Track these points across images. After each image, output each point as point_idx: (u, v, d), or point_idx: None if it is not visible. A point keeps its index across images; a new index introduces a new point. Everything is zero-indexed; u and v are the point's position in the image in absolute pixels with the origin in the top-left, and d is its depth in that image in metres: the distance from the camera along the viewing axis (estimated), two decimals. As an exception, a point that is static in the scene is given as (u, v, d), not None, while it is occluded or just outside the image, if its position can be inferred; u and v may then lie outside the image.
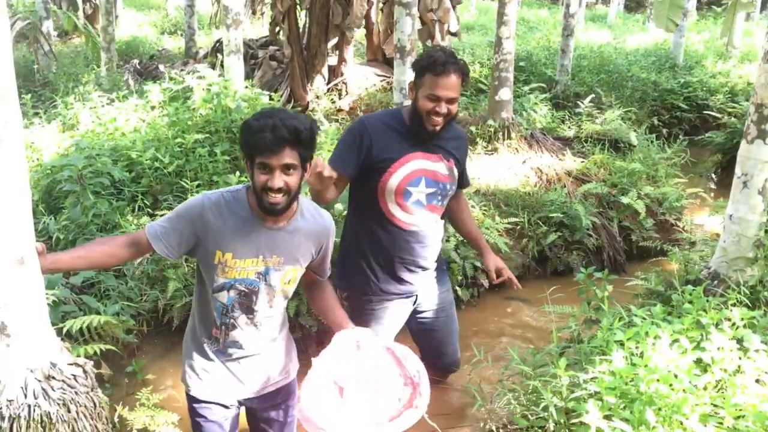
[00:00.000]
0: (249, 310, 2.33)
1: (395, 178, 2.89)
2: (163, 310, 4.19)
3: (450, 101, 2.76)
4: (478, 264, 4.85)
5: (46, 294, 3.54)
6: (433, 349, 3.40)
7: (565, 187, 5.98)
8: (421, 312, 3.25)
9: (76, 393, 2.48)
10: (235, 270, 2.25)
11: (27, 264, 2.31)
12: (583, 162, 6.47)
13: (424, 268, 3.11)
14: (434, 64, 2.72)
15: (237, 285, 2.27)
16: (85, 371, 2.57)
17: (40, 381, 2.41)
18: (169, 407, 3.49)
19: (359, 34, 8.65)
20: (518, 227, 5.43)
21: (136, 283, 4.30)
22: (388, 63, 8.59)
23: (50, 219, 4.55)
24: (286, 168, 2.11)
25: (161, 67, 9.10)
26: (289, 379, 2.61)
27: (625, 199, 5.72)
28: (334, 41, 8.12)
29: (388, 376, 2.32)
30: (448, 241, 4.75)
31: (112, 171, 4.89)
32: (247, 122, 2.13)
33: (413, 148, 2.90)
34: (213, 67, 8.44)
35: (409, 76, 5.00)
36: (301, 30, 8.42)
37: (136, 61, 9.90)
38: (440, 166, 2.96)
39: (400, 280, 3.07)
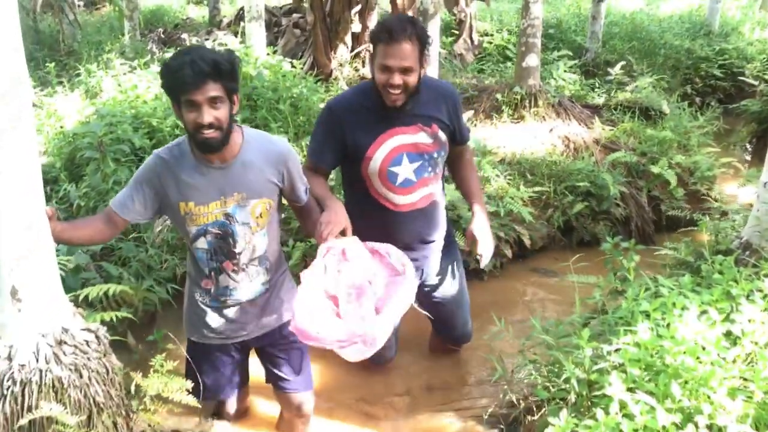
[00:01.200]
0: (230, 254, 2.38)
1: (375, 162, 2.73)
2: (182, 277, 4.17)
3: (404, 71, 2.53)
4: (501, 234, 4.75)
5: (66, 260, 3.57)
6: (443, 321, 3.33)
7: (593, 155, 5.82)
8: (429, 285, 3.16)
9: (88, 358, 2.45)
10: (202, 216, 2.32)
11: (35, 229, 2.28)
12: (612, 130, 6.29)
13: (427, 243, 3.01)
14: (384, 32, 2.52)
15: (210, 229, 2.35)
16: (97, 337, 2.54)
17: (51, 346, 2.38)
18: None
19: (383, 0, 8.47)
20: (544, 197, 5.29)
21: (156, 251, 4.29)
22: (413, 30, 8.39)
23: (71, 186, 4.54)
24: (212, 101, 2.11)
25: (185, 36, 9.03)
26: (282, 320, 2.62)
27: (655, 168, 5.55)
28: (357, 8, 7.97)
29: (377, 277, 2.36)
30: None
31: (133, 138, 4.87)
32: (165, 63, 2.16)
33: (387, 125, 2.72)
34: (236, 35, 8.35)
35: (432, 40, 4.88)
36: (324, -4, 8.28)
37: (160, 30, 9.86)
38: (421, 136, 2.76)
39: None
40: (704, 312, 2.60)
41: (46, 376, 2.33)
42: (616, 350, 2.53)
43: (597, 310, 3.35)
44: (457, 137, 2.94)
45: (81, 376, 2.41)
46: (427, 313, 3.33)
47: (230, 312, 2.52)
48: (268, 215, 2.39)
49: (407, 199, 2.83)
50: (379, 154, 2.74)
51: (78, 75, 6.71)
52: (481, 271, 4.64)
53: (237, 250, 2.38)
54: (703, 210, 5.12)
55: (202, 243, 2.37)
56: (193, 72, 2.06)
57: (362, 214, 2.77)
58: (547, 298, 4.46)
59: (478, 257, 2.91)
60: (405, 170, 2.78)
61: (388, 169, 2.76)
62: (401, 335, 3.44)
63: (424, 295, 3.19)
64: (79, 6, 11.72)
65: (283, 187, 2.42)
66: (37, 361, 2.34)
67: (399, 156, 2.76)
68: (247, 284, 2.47)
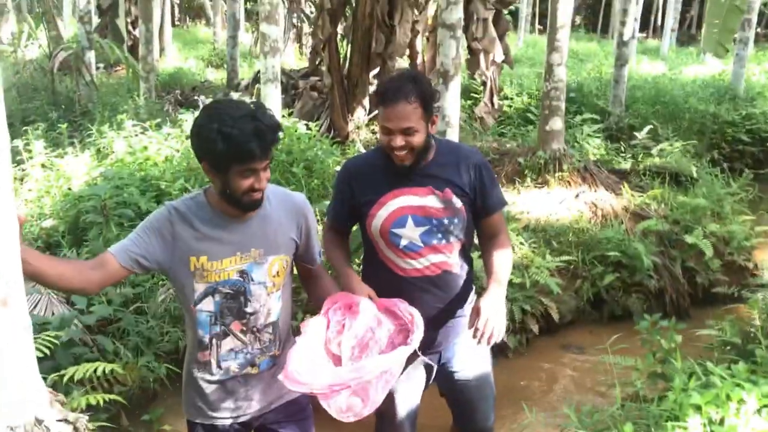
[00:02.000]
0: (240, 314, 2.17)
1: (377, 221, 2.51)
2: (185, 350, 3.88)
3: (405, 132, 2.36)
4: (527, 307, 4.43)
5: (55, 335, 3.29)
6: (461, 411, 2.98)
7: (622, 223, 5.53)
8: (450, 371, 2.83)
9: (63, 455, 2.15)
10: (214, 273, 2.10)
11: (11, 306, 2.01)
12: (641, 197, 6.01)
13: (443, 320, 2.69)
14: (382, 93, 2.37)
15: (220, 288, 2.13)
16: (75, 428, 2.24)
17: (21, 441, 2.08)
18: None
19: (402, 63, 8.37)
20: (571, 266, 5.01)
21: (158, 322, 4.02)
22: (432, 93, 8.28)
23: (71, 251, 4.31)
24: (268, 166, 2.02)
25: (202, 98, 8.98)
26: (289, 397, 2.35)
27: (689, 238, 5.25)
28: (375, 70, 7.87)
29: (381, 326, 2.24)
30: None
31: (139, 201, 4.66)
32: (215, 129, 1.92)
33: (395, 184, 2.52)
34: (252, 96, 8.27)
35: (452, 102, 4.67)
36: (342, 59, 8.21)
37: (177, 91, 9.84)
38: (431, 200, 2.51)
39: None
40: (765, 406, 2.30)
41: (12, 477, 2.04)
42: None
43: (636, 397, 3.01)
44: (480, 207, 2.65)
45: (54, 477, 2.11)
46: (447, 402, 3.01)
47: (233, 385, 2.25)
48: (284, 274, 2.23)
49: (413, 265, 2.56)
50: (381, 213, 2.53)
51: (90, 135, 6.58)
52: (506, 347, 4.31)
53: (249, 310, 2.18)
54: (744, 284, 4.78)
55: (207, 304, 2.14)
56: (262, 144, 1.93)
57: (373, 277, 2.60)
58: (579, 379, 4.10)
59: (477, 334, 2.53)
60: (409, 233, 2.53)
61: (390, 230, 2.53)
62: (420, 426, 3.08)
63: (445, 378, 2.86)
64: (98, 68, 11.80)
65: (299, 243, 2.27)
66: (4, 459, 2.04)
67: (402, 217, 2.52)
68: (255, 349, 2.23)
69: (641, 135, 7.58)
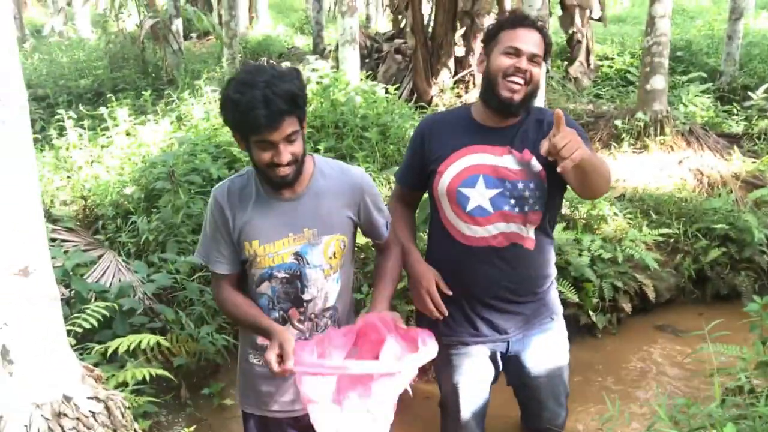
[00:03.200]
0: (297, 301, 2.07)
1: (445, 178, 2.27)
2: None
3: (532, 59, 2.19)
4: (619, 284, 4.03)
5: (115, 303, 3.21)
6: (527, 408, 2.66)
7: (731, 192, 5.00)
8: (519, 364, 2.50)
9: (91, 435, 2.03)
10: (267, 257, 2.01)
11: (34, 276, 1.90)
12: (754, 163, 5.41)
13: (511, 303, 2.36)
14: (512, 19, 2.26)
15: (275, 273, 2.03)
16: (107, 407, 2.12)
17: (47, 419, 1.99)
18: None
19: (490, 21, 7.92)
20: (671, 240, 4.56)
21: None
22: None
23: (141, 219, 4.26)
24: (289, 138, 1.86)
25: (287, 64, 8.88)
26: None
27: (810, 208, 4.65)
28: (462, 30, 7.46)
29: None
30: (580, 255, 3.96)
31: (210, 168, 4.55)
32: (228, 97, 1.85)
33: (469, 139, 2.29)
34: (336, 61, 8.07)
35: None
36: (426, 18, 7.84)
37: (264, 58, 9.78)
38: (507, 160, 2.23)
39: (478, 319, 2.36)
40: None
41: (36, 456, 1.92)
42: None
43: (740, 390, 2.62)
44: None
45: (81, 457, 1.99)
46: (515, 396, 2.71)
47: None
48: (342, 255, 2.08)
49: (480, 232, 2.26)
50: (450, 171, 2.28)
51: (172, 103, 6.58)
52: (595, 328, 3.94)
53: (306, 297, 2.06)
54: None
55: (266, 288, 2.05)
56: (269, 112, 1.79)
57: (434, 247, 2.44)
58: (675, 365, 3.69)
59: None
60: (478, 195, 2.25)
61: (458, 190, 2.26)
62: (490, 417, 2.79)
63: (513, 371, 2.55)
64: (190, 37, 11.96)
65: (359, 222, 2.14)
66: (28, 438, 1.93)
67: (473, 177, 2.25)
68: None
69: (757, 95, 6.84)
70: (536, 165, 2.24)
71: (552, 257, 2.46)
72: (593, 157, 2.13)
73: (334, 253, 2.05)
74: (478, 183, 2.25)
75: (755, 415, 2.26)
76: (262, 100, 1.77)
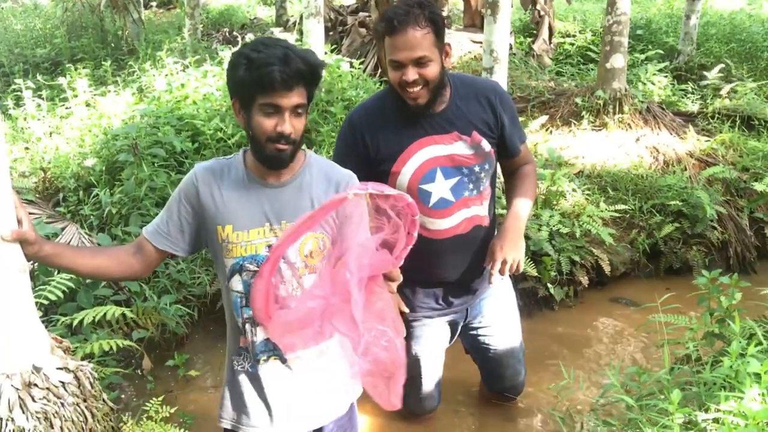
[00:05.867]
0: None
1: (403, 179, 2.25)
2: (213, 296, 3.78)
3: (418, 63, 2.10)
4: (577, 258, 4.15)
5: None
6: (489, 370, 2.79)
7: (686, 170, 5.13)
8: (474, 327, 2.62)
9: (62, 404, 2.06)
10: (239, 246, 1.84)
11: (2, 248, 1.89)
12: (708, 141, 5.56)
13: (473, 276, 2.46)
14: (386, 22, 2.10)
15: (246, 265, 1.85)
16: (77, 377, 2.14)
17: (17, 389, 2.00)
18: (199, 414, 3.07)
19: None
20: (627, 216, 4.68)
21: (188, 264, 3.92)
22: (486, 30, 7.84)
23: (104, 192, 4.23)
24: (296, 110, 1.73)
25: (250, 36, 8.76)
26: (349, 403, 2.06)
27: (759, 186, 4.81)
28: (427, 5, 7.46)
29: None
30: (539, 230, 4.07)
31: (174, 141, 4.52)
32: (243, 53, 1.71)
33: (416, 134, 2.24)
34: (300, 34, 8.00)
35: (500, 36, 4.33)
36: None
37: (226, 29, 9.65)
38: (458, 146, 2.26)
39: (441, 296, 2.45)
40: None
41: (6, 426, 1.96)
42: (715, 420, 2.05)
43: (688, 359, 2.75)
44: (508, 147, 2.40)
45: (51, 426, 2.03)
46: (475, 362, 2.82)
47: (268, 379, 1.92)
48: (320, 256, 1.86)
49: (445, 224, 2.32)
50: (407, 170, 2.26)
51: (133, 74, 6.48)
52: (552, 300, 4.07)
53: (280, 294, 1.84)
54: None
55: (236, 283, 1.87)
56: (286, 70, 1.67)
57: None
58: (628, 335, 3.83)
59: (492, 275, 2.34)
60: (439, 188, 2.27)
61: (419, 187, 2.27)
62: (445, 382, 2.90)
63: (471, 338, 2.66)
64: (151, 6, 11.69)
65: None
66: (-2, 407, 1.95)
67: (431, 171, 2.26)
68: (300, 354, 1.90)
69: (712, 74, 7.01)
70: (486, 145, 2.29)
71: (495, 228, 2.55)
72: (528, 209, 2.42)
73: (311, 252, 1.86)
74: (437, 176, 2.27)
75: (701, 381, 2.39)
76: (281, 56, 1.67)
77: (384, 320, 1.70)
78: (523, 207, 2.39)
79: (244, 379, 1.94)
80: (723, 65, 7.43)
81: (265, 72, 1.66)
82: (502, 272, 2.30)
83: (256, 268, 1.82)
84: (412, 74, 2.10)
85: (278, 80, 1.66)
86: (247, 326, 1.89)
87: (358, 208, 1.66)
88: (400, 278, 1.82)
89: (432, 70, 2.12)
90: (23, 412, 1.98)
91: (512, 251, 2.28)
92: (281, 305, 1.74)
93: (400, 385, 1.67)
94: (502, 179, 2.62)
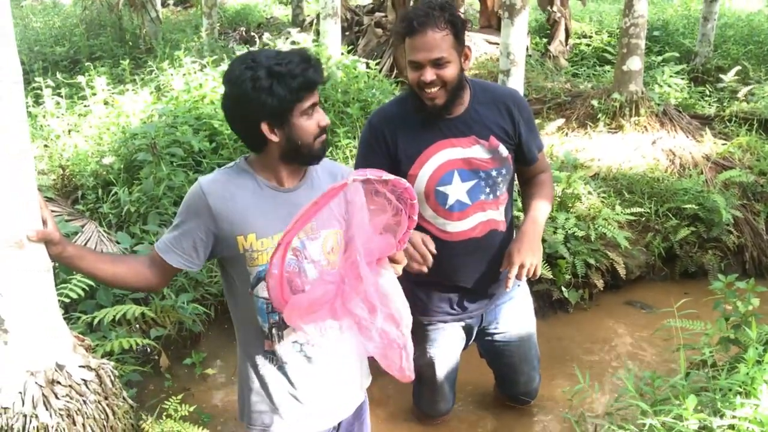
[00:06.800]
0: None
1: (420, 181, 2.28)
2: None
3: (436, 64, 2.13)
4: (592, 261, 4.16)
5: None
6: (504, 375, 2.81)
7: (702, 173, 5.12)
8: (490, 332, 2.63)
9: (84, 402, 2.10)
10: (265, 253, 1.86)
11: (28, 248, 1.93)
12: (725, 145, 5.54)
13: (488, 281, 2.48)
14: (406, 23, 2.15)
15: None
16: (99, 375, 2.18)
17: (41, 386, 2.04)
18: (216, 413, 3.11)
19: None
20: (643, 219, 4.67)
21: (205, 263, 3.95)
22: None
23: (123, 190, 4.27)
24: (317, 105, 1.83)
25: (267, 35, 8.81)
26: (363, 397, 2.16)
27: (776, 191, 4.80)
28: (443, 6, 7.47)
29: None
30: (555, 233, 4.08)
31: (192, 141, 4.57)
32: (268, 73, 1.71)
33: (434, 136, 2.28)
34: (317, 34, 8.04)
35: (517, 38, 4.33)
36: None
37: (242, 29, 9.70)
38: (476, 150, 2.28)
39: (456, 301, 2.47)
40: None
41: (31, 422, 2.00)
42: (731, 427, 2.06)
43: (704, 364, 2.75)
44: (525, 154, 2.42)
45: (74, 423, 2.07)
46: (489, 366, 2.83)
47: (297, 377, 1.97)
48: (339, 251, 1.91)
49: (460, 226, 2.34)
50: (424, 171, 2.29)
51: (151, 72, 6.53)
52: (567, 303, 4.07)
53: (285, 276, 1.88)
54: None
55: (263, 290, 1.87)
56: (316, 66, 1.77)
57: None
58: (643, 339, 3.83)
59: (507, 275, 2.35)
60: (456, 191, 2.30)
61: (435, 189, 2.30)
62: (459, 383, 2.92)
63: (486, 343, 2.68)
64: (168, 4, 11.76)
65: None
66: (23, 404, 2.01)
67: (449, 173, 2.29)
68: (318, 340, 1.90)
69: (728, 77, 6.97)
70: (504, 150, 2.32)
71: (513, 233, 2.57)
72: (545, 216, 2.42)
73: (332, 248, 1.92)
74: (454, 178, 2.29)
75: (716, 387, 2.39)
76: (303, 60, 1.73)
77: (390, 300, 1.74)
78: (540, 212, 2.40)
79: (272, 381, 1.98)
80: (740, 67, 7.39)
81: (304, 78, 1.72)
82: (519, 276, 2.31)
83: (284, 273, 1.82)
84: (429, 75, 2.13)
85: (317, 79, 1.76)
86: (274, 330, 1.93)
87: (357, 194, 1.68)
88: (405, 261, 1.83)
89: (450, 72, 2.15)
90: (47, 409, 2.02)
91: (530, 255, 2.30)
92: (296, 292, 1.77)
93: (410, 355, 1.73)
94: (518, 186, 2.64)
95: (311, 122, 1.79)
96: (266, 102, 1.73)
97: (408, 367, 1.73)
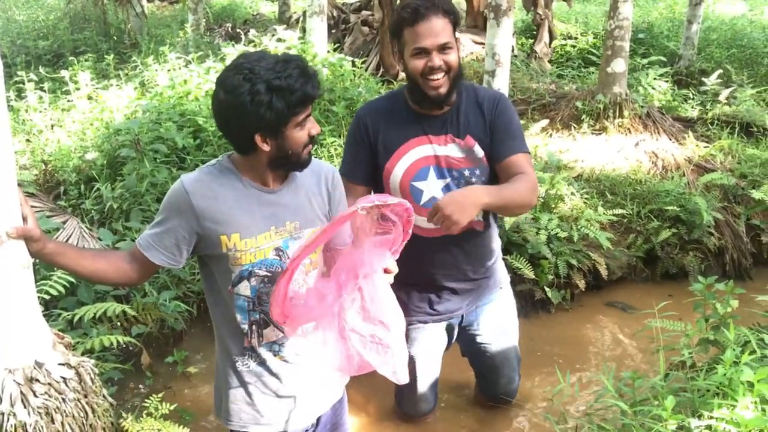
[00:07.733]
0: None
1: (396, 173, 2.31)
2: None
3: (442, 49, 2.18)
4: (574, 261, 4.18)
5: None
6: (484, 375, 2.82)
7: (684, 175, 5.16)
8: (471, 332, 2.65)
9: (63, 400, 2.09)
10: (249, 253, 1.85)
11: (7, 244, 1.91)
12: (707, 147, 5.59)
13: (467, 282, 2.49)
14: (409, 12, 2.20)
15: (256, 270, 1.87)
16: (78, 373, 2.17)
17: (20, 384, 2.03)
18: (198, 411, 3.09)
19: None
20: (625, 220, 4.71)
21: (187, 261, 3.93)
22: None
23: (105, 186, 4.25)
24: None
25: (253, 32, 8.78)
26: (342, 393, 2.18)
27: (756, 194, 4.84)
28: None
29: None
30: (537, 233, 4.10)
31: (176, 137, 4.54)
32: (268, 87, 1.69)
33: (413, 132, 2.31)
34: (303, 31, 8.02)
35: (503, 39, 4.35)
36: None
37: (228, 25, 9.66)
38: (451, 149, 2.30)
39: (436, 301, 2.48)
40: (829, 388, 2.04)
41: (8, 420, 1.99)
42: (708, 427, 2.07)
43: (683, 365, 2.78)
44: (493, 151, 2.33)
45: (53, 422, 2.05)
46: (470, 365, 2.84)
47: (276, 373, 1.98)
48: (320, 250, 1.97)
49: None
50: (400, 166, 2.33)
51: (136, 68, 6.49)
52: (549, 303, 4.09)
53: (288, 295, 1.87)
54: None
55: (245, 288, 1.88)
56: (314, 80, 1.76)
57: None
58: (624, 339, 3.87)
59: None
60: (431, 187, 2.32)
61: (411, 184, 2.33)
62: (442, 384, 2.94)
63: (468, 343, 2.69)
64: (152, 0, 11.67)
65: (329, 217, 2.01)
66: (1, 402, 1.98)
67: (424, 169, 2.31)
68: (298, 340, 1.96)
69: (711, 80, 7.04)
70: (479, 151, 2.32)
71: (496, 232, 2.57)
72: (499, 197, 2.14)
73: (316, 248, 1.91)
74: (429, 175, 2.31)
75: (695, 388, 2.41)
76: (302, 74, 1.72)
77: (385, 307, 1.81)
78: (498, 188, 2.24)
79: (251, 378, 1.98)
80: (722, 71, 7.46)
81: (303, 91, 1.71)
82: (431, 221, 2.11)
83: (266, 273, 1.87)
84: (438, 60, 2.17)
85: (315, 93, 1.75)
86: (254, 327, 1.93)
87: (363, 218, 1.76)
88: (396, 269, 1.84)
89: (454, 58, 2.20)
90: (25, 407, 2.00)
91: (456, 211, 2.03)
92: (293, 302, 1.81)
93: (404, 359, 1.76)
94: None
95: (302, 134, 1.80)
96: (264, 116, 1.71)
97: (401, 371, 1.78)
